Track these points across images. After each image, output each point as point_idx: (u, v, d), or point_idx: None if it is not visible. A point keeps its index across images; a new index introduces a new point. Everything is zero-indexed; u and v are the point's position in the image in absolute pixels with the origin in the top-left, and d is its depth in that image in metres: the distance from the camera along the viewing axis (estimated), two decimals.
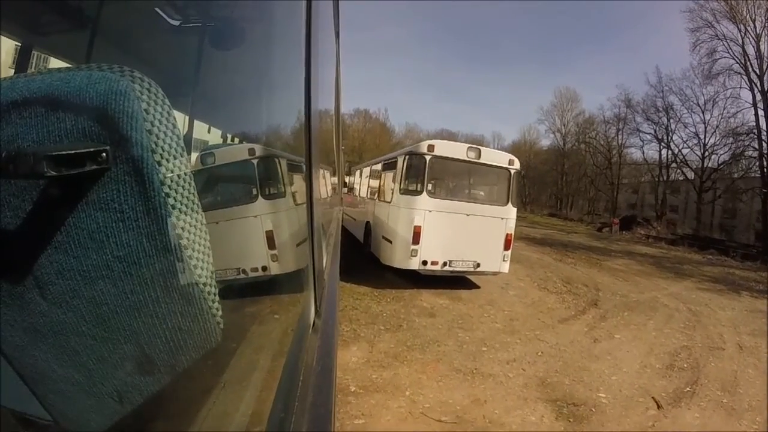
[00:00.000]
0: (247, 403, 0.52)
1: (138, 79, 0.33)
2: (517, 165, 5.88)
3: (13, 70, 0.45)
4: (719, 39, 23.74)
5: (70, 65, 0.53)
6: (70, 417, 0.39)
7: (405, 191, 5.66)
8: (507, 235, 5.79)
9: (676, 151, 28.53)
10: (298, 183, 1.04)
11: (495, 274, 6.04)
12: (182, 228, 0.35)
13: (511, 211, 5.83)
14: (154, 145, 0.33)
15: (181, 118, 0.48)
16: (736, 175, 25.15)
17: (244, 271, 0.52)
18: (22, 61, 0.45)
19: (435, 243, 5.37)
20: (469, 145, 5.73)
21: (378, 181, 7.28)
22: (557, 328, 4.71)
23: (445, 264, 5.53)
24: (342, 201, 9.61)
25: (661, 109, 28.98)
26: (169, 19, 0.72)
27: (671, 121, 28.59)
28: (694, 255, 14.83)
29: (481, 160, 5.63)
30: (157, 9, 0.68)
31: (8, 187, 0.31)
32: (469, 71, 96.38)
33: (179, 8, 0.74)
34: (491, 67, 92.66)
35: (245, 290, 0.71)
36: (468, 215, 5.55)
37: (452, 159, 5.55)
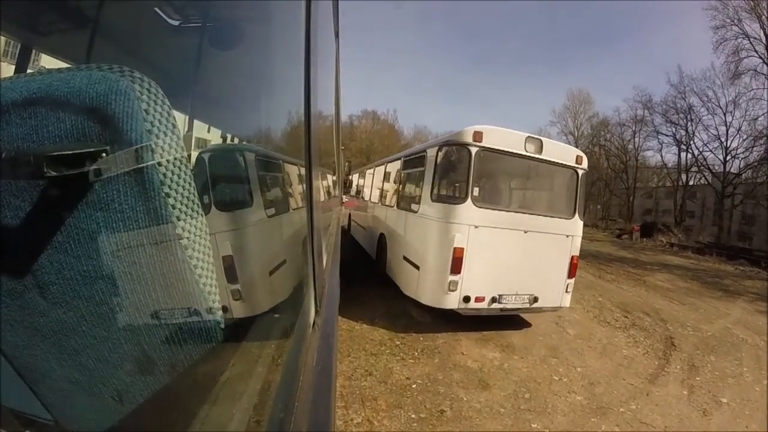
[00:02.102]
0: (247, 402, 0.52)
1: (138, 79, 0.33)
2: (585, 164, 4.44)
3: (13, 70, 0.45)
4: (745, 37, 22.92)
5: (70, 65, 0.53)
6: (70, 416, 0.39)
7: (439, 197, 4.13)
8: (573, 258, 4.38)
9: (697, 153, 27.61)
10: (278, 185, 0.92)
11: (555, 310, 4.54)
12: (182, 228, 0.36)
13: (578, 226, 4.42)
14: (153, 145, 0.33)
15: (180, 118, 0.48)
16: (759, 180, 24.11)
17: (195, 313, 0.43)
18: (22, 61, 0.45)
19: (481, 271, 3.90)
20: (528, 134, 4.17)
21: (396, 182, 5.68)
22: (652, 394, 3.54)
23: (493, 300, 4.03)
24: (342, 202, 9.04)
25: (680, 110, 28.07)
26: (168, 19, 0.72)
27: (691, 123, 27.72)
28: (726, 266, 14.23)
29: (543, 156, 4.15)
30: (156, 9, 0.68)
31: (8, 187, 0.31)
32: (478, 73, 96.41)
33: (179, 8, 0.74)
34: (501, 69, 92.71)
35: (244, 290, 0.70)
36: (526, 232, 4.09)
37: (506, 153, 4.00)
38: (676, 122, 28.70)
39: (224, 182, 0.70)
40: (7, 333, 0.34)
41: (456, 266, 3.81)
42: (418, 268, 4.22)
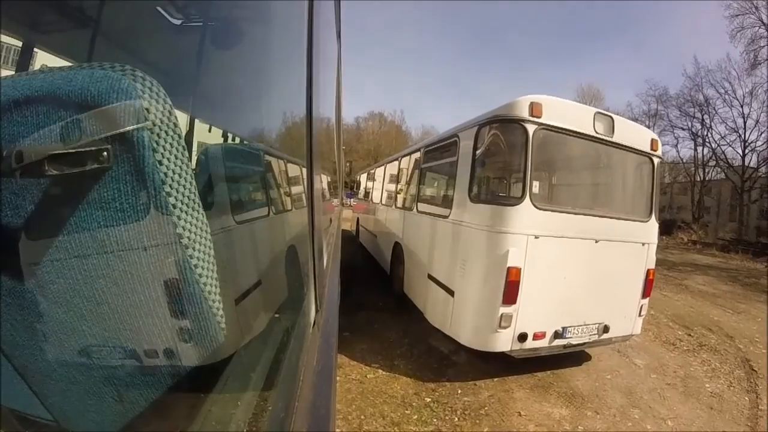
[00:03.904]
0: (248, 402, 0.52)
1: (140, 77, 0.33)
2: (660, 150, 3.45)
3: (14, 69, 0.45)
4: (762, 26, 22.21)
5: (72, 64, 0.53)
6: (70, 417, 0.39)
7: (480, 197, 3.00)
8: (648, 272, 3.41)
9: (714, 147, 26.37)
10: (279, 185, 0.87)
11: (626, 339, 3.56)
12: (183, 227, 0.35)
13: (654, 230, 3.47)
14: (155, 144, 0.33)
15: (182, 117, 0.48)
16: None
17: (196, 312, 0.35)
18: (23, 60, 0.45)
19: (541, 298, 2.87)
20: (596, 109, 3.14)
21: (415, 180, 4.53)
22: None
23: (556, 335, 2.99)
24: (346, 204, 8.62)
25: (696, 103, 26.86)
26: (171, 19, 0.72)
27: (707, 116, 26.58)
28: (755, 264, 13.72)
29: (615, 139, 3.13)
30: (159, 8, 0.68)
31: (9, 187, 0.31)
32: (486, 71, 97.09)
33: (181, 8, 0.74)
34: (508, 66, 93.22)
35: (244, 288, 0.70)
36: (597, 241, 3.07)
37: (573, 133, 2.94)
38: (693, 115, 27.82)
39: (224, 182, 0.70)
40: (7, 333, 0.34)
41: (510, 294, 2.73)
42: (451, 293, 3.13)
